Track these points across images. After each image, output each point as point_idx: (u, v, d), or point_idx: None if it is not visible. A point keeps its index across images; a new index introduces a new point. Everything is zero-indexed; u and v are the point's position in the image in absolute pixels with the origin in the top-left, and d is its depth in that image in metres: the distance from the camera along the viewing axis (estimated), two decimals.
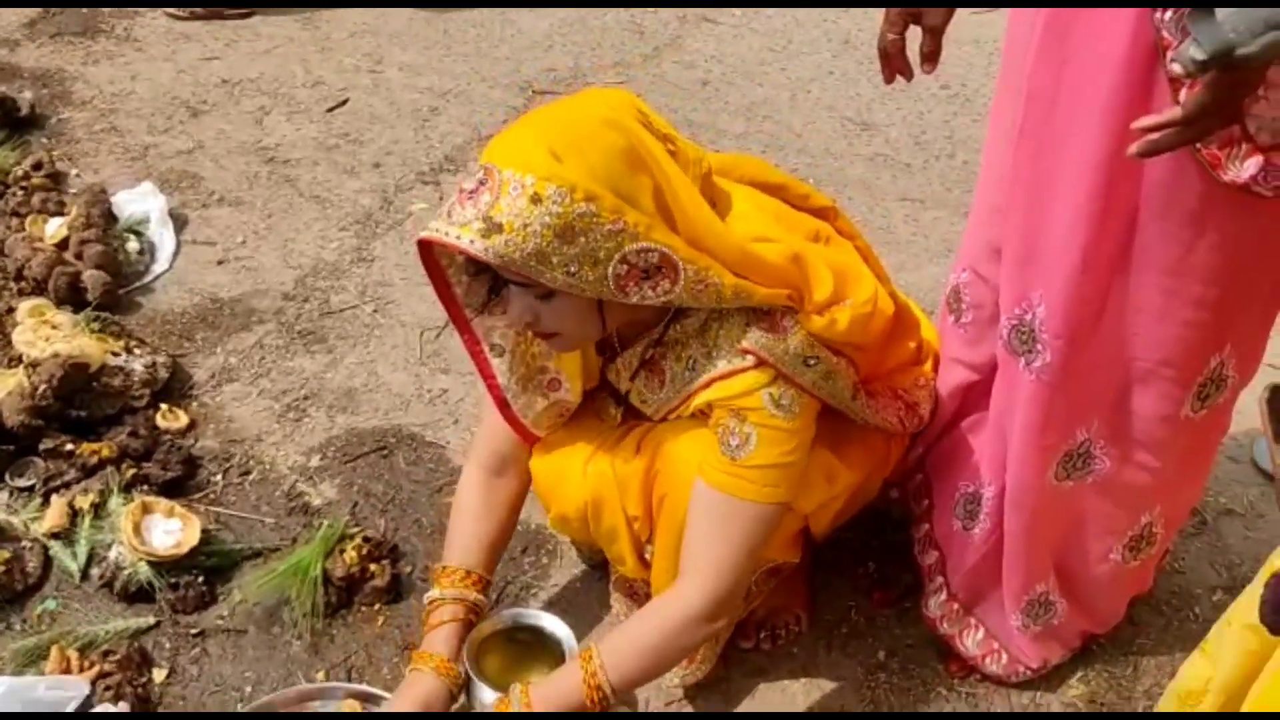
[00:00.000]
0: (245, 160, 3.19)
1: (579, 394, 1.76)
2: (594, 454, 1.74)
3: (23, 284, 2.53)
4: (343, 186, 3.10)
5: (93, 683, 1.81)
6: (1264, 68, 1.18)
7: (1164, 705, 1.60)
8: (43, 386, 2.19)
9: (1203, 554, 2.18)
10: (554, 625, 1.87)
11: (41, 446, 2.17)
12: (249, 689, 1.88)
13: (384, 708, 1.74)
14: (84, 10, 3.82)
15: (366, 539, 2.05)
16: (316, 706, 1.81)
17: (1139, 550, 1.80)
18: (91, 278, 2.54)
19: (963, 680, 1.94)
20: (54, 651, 1.85)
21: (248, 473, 2.26)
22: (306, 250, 2.87)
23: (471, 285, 1.63)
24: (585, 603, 2.04)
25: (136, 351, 2.41)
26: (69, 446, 2.17)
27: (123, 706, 1.77)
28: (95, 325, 2.41)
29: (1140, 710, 1.90)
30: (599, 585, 2.05)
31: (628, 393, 1.75)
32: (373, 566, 2.02)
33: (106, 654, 1.86)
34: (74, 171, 3.08)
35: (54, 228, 2.68)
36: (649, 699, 1.88)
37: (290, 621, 1.97)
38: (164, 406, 2.33)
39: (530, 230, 1.37)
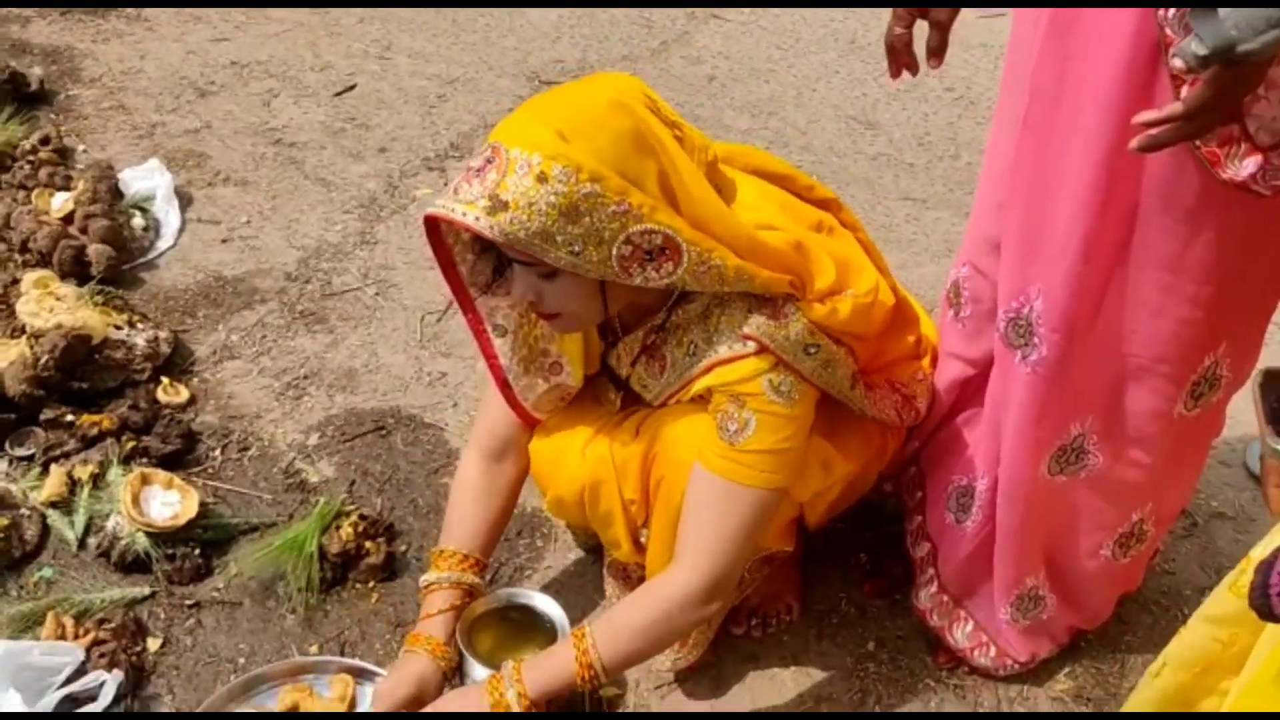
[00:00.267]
0: (252, 141, 3.20)
1: (580, 379, 1.77)
2: (593, 438, 1.75)
3: (28, 256, 2.55)
4: (348, 170, 3.12)
5: (87, 650, 1.82)
6: (1265, 65, 1.20)
7: (1140, 685, 1.61)
8: (45, 357, 2.20)
9: (1193, 555, 2.20)
10: (547, 605, 1.88)
11: (42, 416, 2.19)
12: (242, 660, 1.89)
13: (378, 685, 1.75)
14: None
15: (363, 517, 2.07)
16: (309, 679, 1.82)
17: (1129, 547, 1.81)
18: (96, 251, 2.55)
19: (951, 672, 1.95)
20: (50, 618, 1.87)
21: (246, 449, 2.28)
22: (310, 232, 2.89)
23: (476, 264, 1.65)
24: (578, 586, 2.05)
25: (139, 326, 2.43)
26: (69, 417, 2.19)
27: (116, 674, 1.78)
28: (99, 298, 2.42)
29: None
30: (593, 569, 2.07)
31: (628, 378, 1.76)
32: (368, 544, 2.04)
33: (102, 622, 1.88)
34: (81, 147, 3.09)
35: (60, 202, 2.70)
36: (639, 681, 1.90)
37: (285, 596, 1.98)
38: (165, 381, 2.34)
39: (536, 209, 1.39)
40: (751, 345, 1.55)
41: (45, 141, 2.95)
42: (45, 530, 2.05)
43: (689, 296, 1.62)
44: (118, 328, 2.37)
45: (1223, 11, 1.13)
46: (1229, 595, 1.38)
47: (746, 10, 4.08)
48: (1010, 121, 1.59)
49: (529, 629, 1.87)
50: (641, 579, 1.94)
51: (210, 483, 2.18)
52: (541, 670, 1.65)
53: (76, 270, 2.52)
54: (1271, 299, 1.59)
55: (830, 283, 1.59)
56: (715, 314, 1.59)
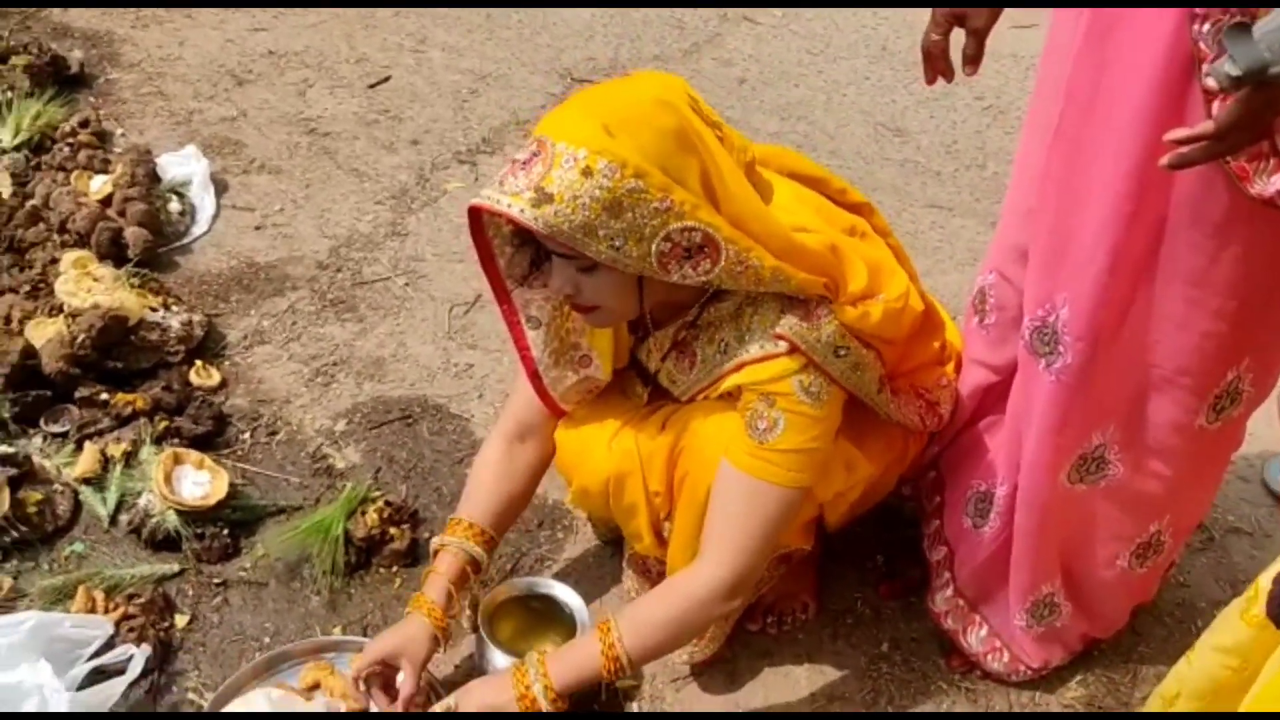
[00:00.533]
0: (287, 130, 3.24)
1: (608, 373, 1.80)
2: (619, 430, 1.78)
3: (66, 236, 2.59)
4: (380, 161, 3.16)
5: (116, 624, 1.86)
6: None
7: (1150, 708, 1.64)
8: (82, 336, 2.25)
9: (1208, 570, 2.21)
10: (567, 595, 1.91)
11: (77, 394, 2.23)
12: (267, 639, 1.93)
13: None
14: None
15: (388, 503, 2.11)
16: (331, 658, 1.85)
17: (1146, 558, 1.82)
18: (133, 234, 2.60)
19: (964, 676, 1.97)
20: (80, 591, 1.91)
21: (275, 433, 2.32)
22: (342, 221, 2.92)
23: (514, 256, 1.67)
24: (598, 577, 2.08)
25: (174, 309, 2.47)
26: (104, 396, 2.23)
27: (144, 648, 1.82)
28: (135, 280, 2.47)
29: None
30: (612, 562, 2.10)
31: (657, 372, 1.79)
32: (392, 530, 2.07)
33: (131, 597, 1.92)
34: (119, 131, 3.14)
35: (98, 184, 2.74)
36: (655, 674, 1.92)
37: (310, 578, 2.02)
38: (198, 363, 2.39)
39: (580, 202, 1.41)
40: (783, 345, 1.58)
41: (85, 124, 3.00)
42: (78, 506, 2.10)
43: (722, 294, 1.64)
44: (153, 310, 2.42)
45: (1257, 33, 1.15)
46: (1240, 624, 1.40)
47: (778, 13, 4.10)
48: (1042, 129, 1.60)
49: (549, 618, 1.91)
50: (661, 572, 1.96)
51: (239, 465, 2.22)
52: (567, 663, 1.66)
53: (114, 252, 2.57)
54: None
55: (863, 286, 1.61)
56: (747, 313, 1.61)
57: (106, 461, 2.12)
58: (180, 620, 1.94)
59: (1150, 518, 1.78)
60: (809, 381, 1.58)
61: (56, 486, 2.10)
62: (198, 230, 2.82)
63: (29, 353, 2.22)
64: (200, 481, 2.08)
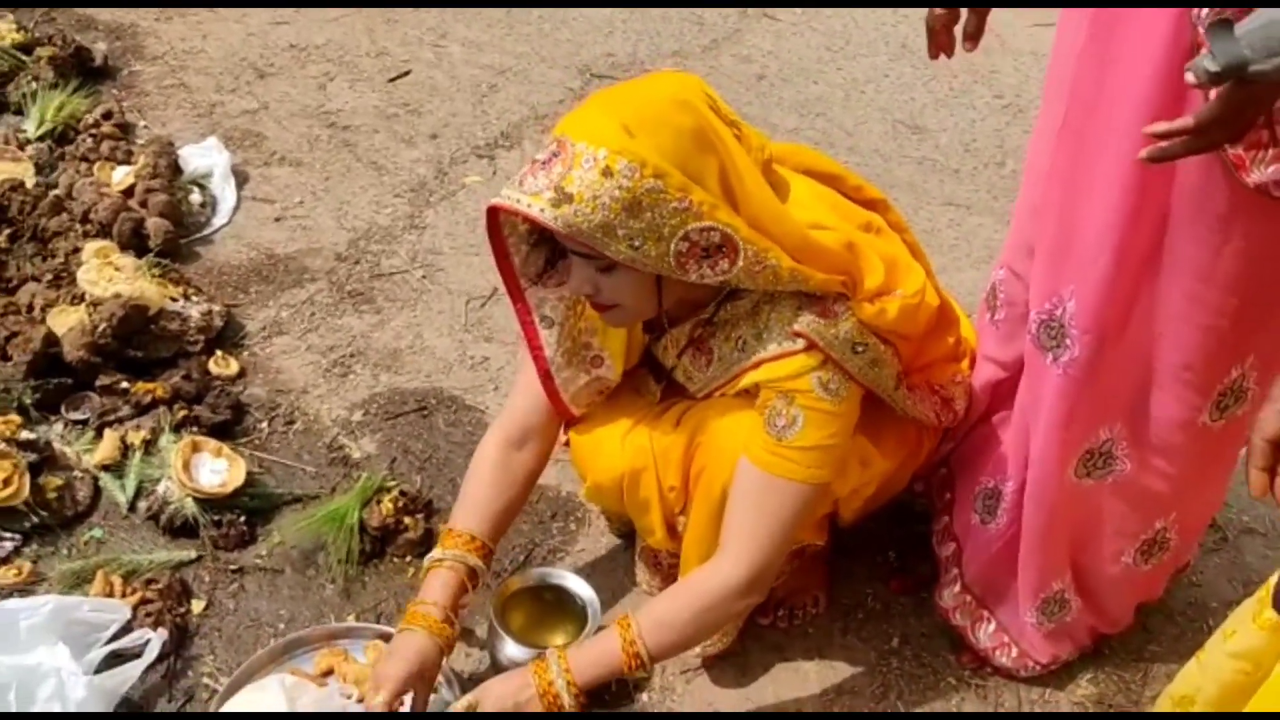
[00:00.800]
0: (307, 123, 3.27)
1: (619, 373, 1.80)
2: (633, 427, 1.79)
3: (88, 226, 2.62)
4: (400, 155, 3.18)
5: (134, 608, 1.88)
6: (1277, 87, 1.20)
7: (1160, 709, 1.64)
8: (103, 325, 2.27)
9: (1221, 569, 2.21)
10: (579, 587, 1.92)
11: (98, 382, 2.26)
12: (282, 625, 1.95)
13: (377, 667, 1.69)
14: None
15: (403, 493, 2.12)
16: (345, 644, 1.87)
17: (1151, 555, 1.83)
18: (155, 225, 2.62)
19: (974, 672, 1.97)
20: (99, 576, 1.93)
21: (292, 422, 2.34)
22: (361, 214, 2.95)
23: (530, 255, 1.68)
24: (609, 569, 2.09)
25: (194, 299, 2.50)
26: (124, 384, 2.26)
27: (161, 633, 1.84)
28: (156, 271, 2.49)
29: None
30: (624, 554, 2.11)
31: (672, 368, 1.79)
32: (407, 519, 2.09)
33: (149, 582, 1.94)
34: (142, 123, 3.17)
35: (121, 175, 2.77)
36: (665, 666, 1.93)
37: (325, 566, 2.04)
38: (217, 353, 2.41)
39: (600, 202, 1.42)
40: (801, 342, 1.58)
41: (108, 116, 3.03)
42: (97, 492, 2.12)
43: (738, 292, 1.65)
44: (173, 300, 2.45)
45: (1239, 29, 1.14)
46: (1253, 628, 1.40)
47: (798, 10, 4.10)
48: (1051, 123, 1.61)
49: (561, 609, 1.92)
50: (672, 565, 1.97)
51: (257, 453, 2.24)
52: (587, 658, 1.67)
53: (135, 242, 2.60)
54: None
55: (880, 283, 1.62)
56: (765, 310, 1.62)
57: (126, 449, 2.15)
58: (196, 606, 1.96)
59: (1155, 515, 1.78)
60: (827, 378, 1.59)
61: (76, 473, 2.13)
62: (218, 221, 2.84)
63: (51, 341, 2.25)
64: (218, 469, 2.10)
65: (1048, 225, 1.61)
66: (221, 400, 2.28)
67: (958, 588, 1.95)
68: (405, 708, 1.65)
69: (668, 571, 2.00)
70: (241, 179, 2.99)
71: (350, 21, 3.78)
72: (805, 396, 1.60)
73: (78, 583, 1.95)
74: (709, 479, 1.72)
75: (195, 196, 2.82)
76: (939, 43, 1.63)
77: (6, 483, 2.00)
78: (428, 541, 2.10)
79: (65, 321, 2.31)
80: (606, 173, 1.41)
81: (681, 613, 1.68)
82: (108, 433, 2.17)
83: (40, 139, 2.93)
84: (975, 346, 1.97)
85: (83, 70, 3.26)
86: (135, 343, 2.33)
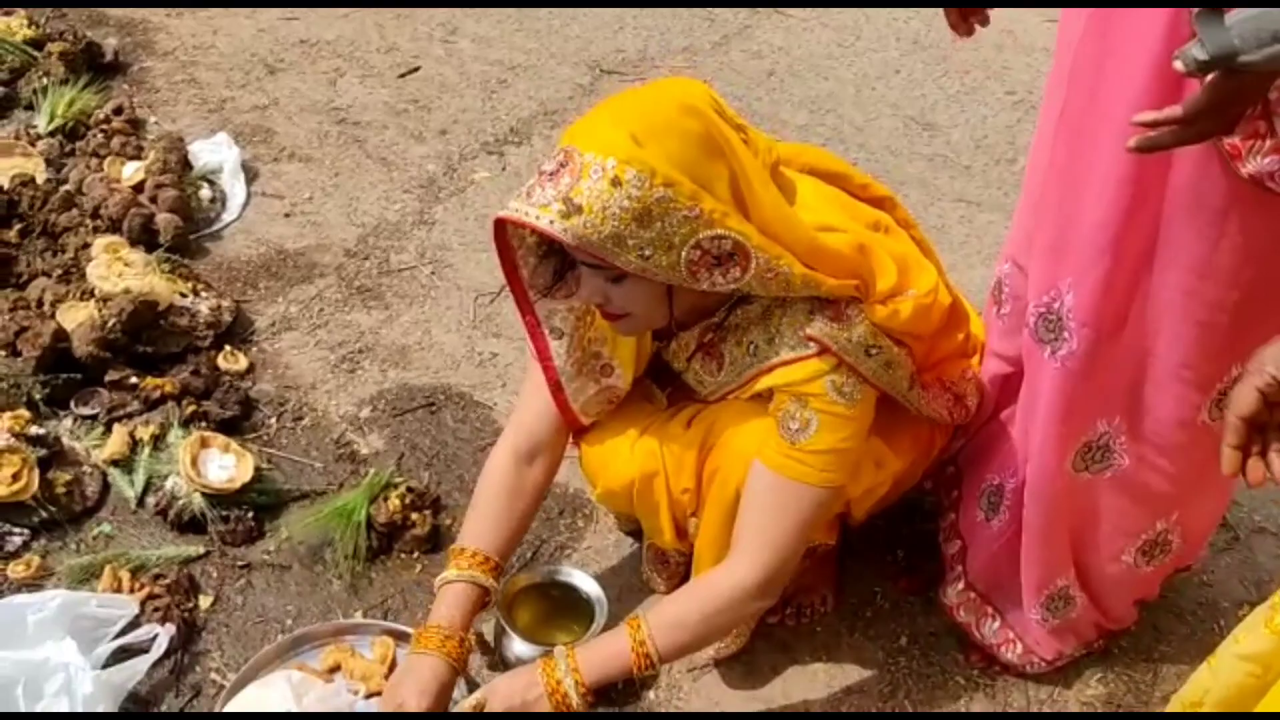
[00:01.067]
0: (317, 119, 3.27)
1: (629, 382, 1.79)
2: (642, 432, 1.78)
3: (98, 222, 2.62)
4: (409, 150, 3.18)
5: (142, 603, 1.89)
6: (1267, 78, 1.19)
7: (1175, 708, 1.63)
8: (112, 320, 2.28)
9: (1233, 569, 2.19)
10: (586, 584, 1.92)
11: (107, 378, 2.26)
12: (289, 621, 1.95)
13: (388, 690, 1.69)
14: None
15: (410, 489, 2.12)
16: (352, 640, 1.87)
17: (1153, 556, 1.82)
18: (164, 220, 2.63)
19: (983, 671, 1.96)
20: (107, 571, 1.94)
21: (300, 418, 2.34)
22: (370, 210, 2.95)
23: (538, 267, 1.66)
24: (617, 567, 2.09)
25: (203, 294, 2.50)
26: (133, 380, 2.26)
27: (169, 628, 1.85)
28: (166, 266, 2.50)
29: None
30: (632, 551, 2.11)
31: (682, 373, 1.78)
32: (414, 516, 2.09)
33: (157, 577, 1.94)
34: (152, 119, 3.18)
35: (131, 171, 2.78)
36: (672, 664, 1.92)
37: (332, 562, 2.04)
38: (226, 349, 2.41)
39: (609, 213, 1.41)
40: (814, 347, 1.57)
41: (118, 111, 3.04)
42: (106, 487, 2.13)
43: (749, 298, 1.63)
44: (182, 295, 2.45)
45: (1229, 19, 1.13)
46: (1265, 633, 1.39)
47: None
48: (1053, 118, 1.61)
49: (568, 607, 1.92)
50: (679, 565, 1.97)
51: (265, 449, 2.24)
52: (596, 658, 1.65)
53: (145, 238, 2.60)
54: None
55: (892, 284, 1.61)
56: (776, 315, 1.61)
57: (135, 444, 2.15)
58: (204, 601, 1.96)
59: (1156, 514, 1.77)
60: (841, 381, 1.58)
61: (85, 468, 2.13)
62: (228, 217, 2.85)
63: (60, 336, 2.26)
64: (226, 465, 2.10)
65: (1047, 218, 1.60)
66: (230, 396, 2.29)
67: (961, 585, 1.94)
68: None
69: (675, 570, 2.00)
70: (251, 174, 2.99)
71: (360, 17, 3.78)
72: (819, 400, 1.59)
73: (86, 578, 1.96)
74: (722, 481, 1.71)
75: (205, 192, 2.83)
76: (951, 20, 1.65)
77: (16, 477, 2.00)
78: (435, 538, 2.10)
79: (75, 317, 2.32)
80: (615, 183, 1.40)
81: (692, 614, 1.68)
82: (117, 428, 2.17)
83: (51, 134, 2.94)
84: (984, 343, 1.96)
85: (93, 66, 3.27)
86: (144, 338, 2.33)
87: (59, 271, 2.46)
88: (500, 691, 1.64)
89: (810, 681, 1.94)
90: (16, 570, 1.95)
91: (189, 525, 2.06)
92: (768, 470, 1.63)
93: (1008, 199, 3.17)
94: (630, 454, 1.78)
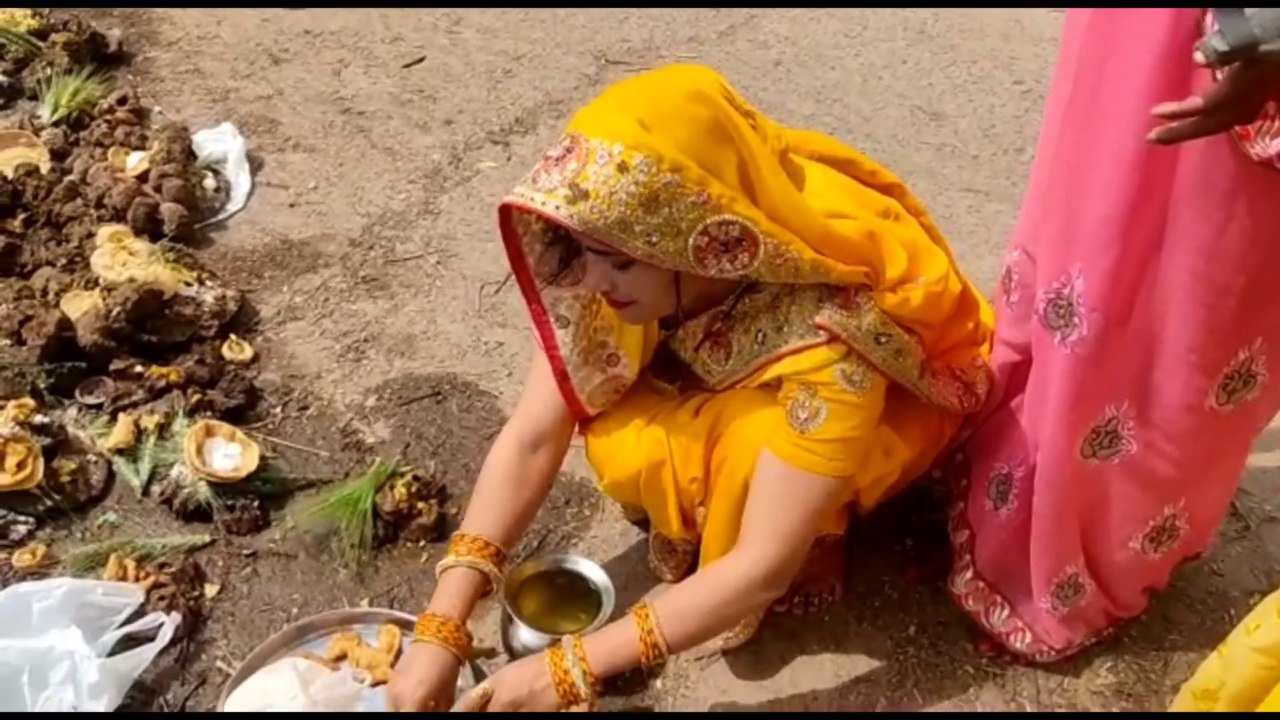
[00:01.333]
0: (322, 109, 3.26)
1: (636, 371, 1.78)
2: (649, 422, 1.77)
3: (103, 211, 2.62)
4: (414, 140, 3.17)
5: (147, 592, 1.88)
6: None
7: (1179, 703, 1.62)
8: (117, 309, 2.27)
9: (1243, 558, 2.18)
10: (593, 572, 1.91)
11: (112, 367, 2.26)
12: (295, 610, 1.95)
13: (393, 685, 1.66)
14: None
15: (416, 478, 2.11)
16: (358, 629, 1.87)
17: (1160, 543, 1.81)
18: (169, 210, 2.62)
19: (992, 660, 1.95)
20: (112, 559, 1.93)
21: (306, 407, 2.33)
22: (375, 199, 2.94)
23: (544, 254, 1.64)
24: (623, 555, 2.08)
25: (208, 284, 2.49)
26: (138, 369, 2.26)
27: (174, 616, 1.84)
28: (170, 255, 2.49)
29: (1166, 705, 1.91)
30: (638, 540, 2.10)
31: (690, 362, 1.77)
32: (420, 504, 2.08)
33: (162, 566, 1.94)
34: (156, 109, 3.17)
35: (135, 160, 2.77)
36: (679, 654, 1.92)
37: (338, 550, 2.03)
38: (231, 338, 2.41)
39: (616, 198, 1.39)
40: (823, 335, 1.56)
41: (123, 101, 3.03)
42: (111, 476, 2.13)
43: (757, 285, 1.62)
44: (187, 284, 2.44)
45: (1249, 10, 1.12)
46: (1277, 622, 1.38)
47: None
48: (1060, 106, 1.59)
49: (574, 595, 1.91)
50: (686, 554, 1.96)
51: (270, 438, 2.23)
52: (604, 647, 1.64)
53: (149, 227, 2.60)
54: None
55: (902, 271, 1.59)
56: (785, 303, 1.60)
57: (140, 433, 2.15)
58: (210, 590, 1.96)
59: (1164, 500, 1.76)
60: (851, 370, 1.57)
61: (90, 457, 2.13)
62: (233, 207, 2.84)
63: (65, 325, 2.25)
64: (231, 454, 2.10)
65: (1055, 206, 1.59)
66: (235, 385, 2.28)
67: (970, 574, 1.93)
68: None
69: (682, 559, 1.99)
70: (256, 164, 2.99)
71: (365, 7, 3.77)
72: (828, 389, 1.57)
73: (91, 566, 1.96)
74: (730, 470, 1.70)
75: (209, 182, 2.82)
76: None
77: (21, 466, 2.00)
78: (441, 527, 2.09)
79: (80, 306, 2.31)
80: (622, 168, 1.38)
81: (701, 604, 1.66)
82: (122, 417, 2.16)
83: (55, 124, 2.93)
84: (994, 330, 1.94)
85: (98, 56, 3.27)
86: (149, 327, 2.33)
87: (64, 261, 2.46)
88: (507, 681, 1.63)
89: (818, 671, 1.93)
90: (22, 559, 1.95)
91: (194, 514, 2.06)
92: (776, 459, 1.62)
93: (1016, 188, 3.15)
94: (637, 443, 1.76)
